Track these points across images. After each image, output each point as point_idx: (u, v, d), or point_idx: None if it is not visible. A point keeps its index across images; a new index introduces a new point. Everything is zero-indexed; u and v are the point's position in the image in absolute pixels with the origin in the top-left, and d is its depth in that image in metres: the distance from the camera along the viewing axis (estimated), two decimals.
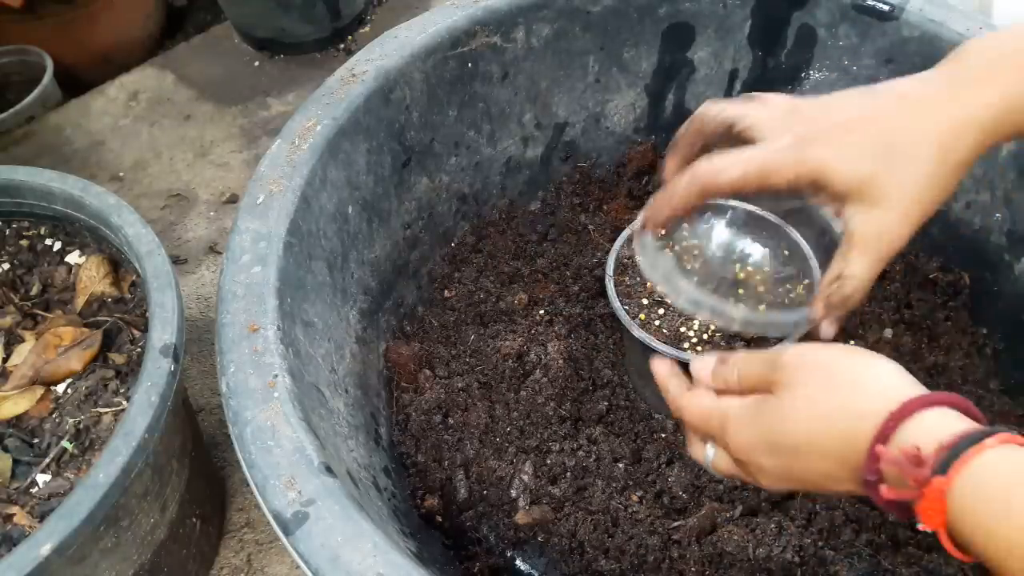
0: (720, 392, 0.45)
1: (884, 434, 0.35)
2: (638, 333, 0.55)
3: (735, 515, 0.59)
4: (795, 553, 0.57)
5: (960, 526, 0.32)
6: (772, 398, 0.41)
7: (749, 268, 0.53)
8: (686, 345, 0.56)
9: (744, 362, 0.43)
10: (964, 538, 0.33)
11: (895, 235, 0.43)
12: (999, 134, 0.42)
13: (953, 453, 0.32)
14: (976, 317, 0.70)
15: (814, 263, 0.55)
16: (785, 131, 0.45)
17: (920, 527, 0.34)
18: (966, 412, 0.35)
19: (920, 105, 0.43)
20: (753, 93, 0.49)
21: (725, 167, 0.45)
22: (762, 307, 0.54)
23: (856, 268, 0.44)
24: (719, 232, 0.57)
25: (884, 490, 0.35)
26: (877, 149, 0.42)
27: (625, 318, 0.56)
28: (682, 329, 0.54)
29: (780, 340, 0.52)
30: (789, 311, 0.52)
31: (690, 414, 0.46)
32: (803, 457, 0.39)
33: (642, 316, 0.58)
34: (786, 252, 0.57)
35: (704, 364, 0.46)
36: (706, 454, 0.46)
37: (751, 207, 0.58)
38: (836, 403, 0.38)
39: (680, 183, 0.47)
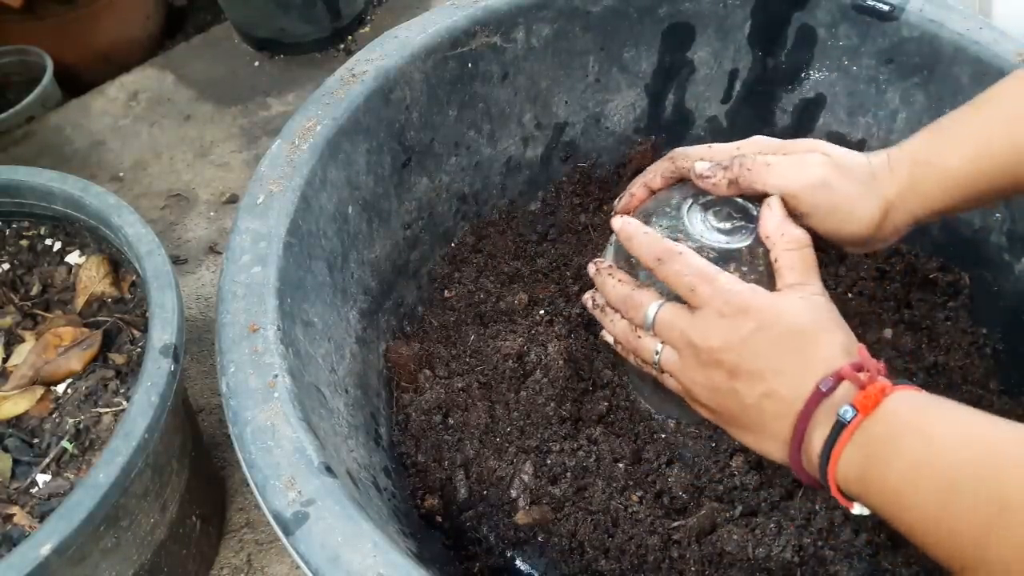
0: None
1: (858, 363, 0.43)
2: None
3: (735, 515, 0.59)
4: (795, 553, 0.57)
5: (878, 416, 0.40)
6: (767, 295, 0.47)
7: (743, 269, 0.52)
8: None
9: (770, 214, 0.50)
10: (871, 427, 0.40)
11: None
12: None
13: (901, 381, 0.42)
14: (976, 317, 0.70)
15: None
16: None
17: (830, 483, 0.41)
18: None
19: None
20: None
21: (697, 148, 0.55)
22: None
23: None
24: (696, 225, 0.54)
25: (845, 370, 0.42)
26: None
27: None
28: None
29: None
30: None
31: (683, 268, 0.49)
32: (757, 373, 0.45)
33: None
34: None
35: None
36: (646, 313, 0.50)
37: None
38: (808, 337, 0.45)
39: (653, 165, 0.56)
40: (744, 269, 0.51)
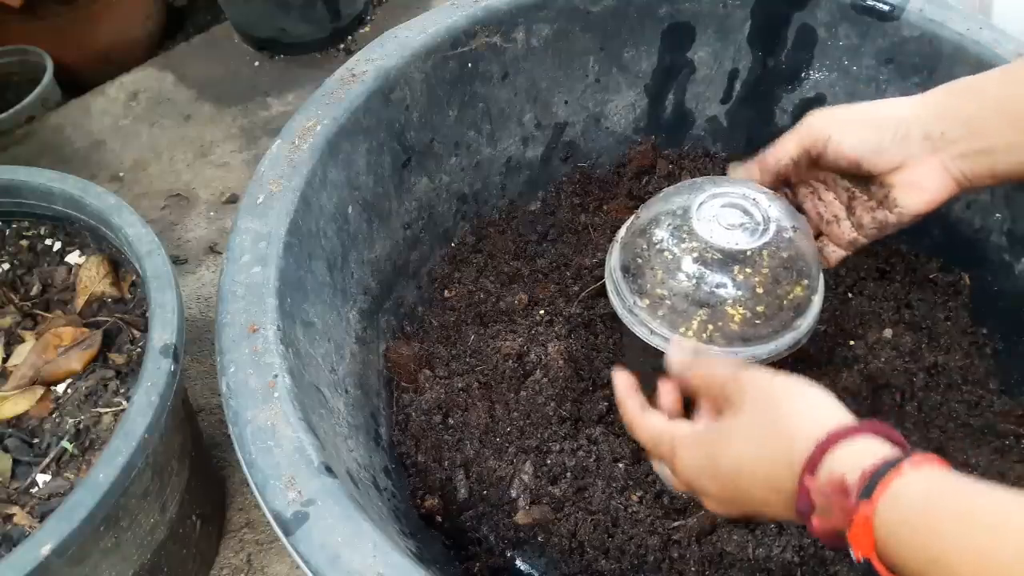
0: (684, 391, 0.48)
1: (812, 464, 0.36)
2: (640, 331, 0.54)
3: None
4: (795, 553, 0.57)
5: (887, 549, 0.33)
6: (715, 424, 0.43)
7: (747, 271, 0.52)
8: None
9: (707, 374, 0.45)
10: (893, 560, 0.33)
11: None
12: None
13: (875, 479, 0.33)
14: (976, 317, 0.70)
15: (811, 260, 0.54)
16: None
17: (854, 556, 0.35)
18: (888, 438, 0.37)
19: None
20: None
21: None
22: (760, 309, 0.52)
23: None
24: (704, 226, 0.53)
25: (815, 521, 0.36)
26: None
27: (626, 316, 0.56)
28: (680, 330, 0.54)
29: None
30: (750, 344, 0.51)
31: (642, 436, 0.48)
32: (743, 483, 0.40)
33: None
34: (783, 252, 0.53)
35: (680, 350, 0.48)
36: (661, 470, 0.49)
37: (743, 185, 0.55)
38: (770, 432, 0.39)
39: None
40: (748, 271, 0.51)
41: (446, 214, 0.77)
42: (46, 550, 0.49)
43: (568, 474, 0.62)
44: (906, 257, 0.74)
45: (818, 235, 0.59)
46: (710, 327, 0.51)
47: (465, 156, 0.77)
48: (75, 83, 1.34)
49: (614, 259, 0.57)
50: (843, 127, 0.51)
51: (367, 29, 1.42)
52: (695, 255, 0.52)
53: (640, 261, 0.54)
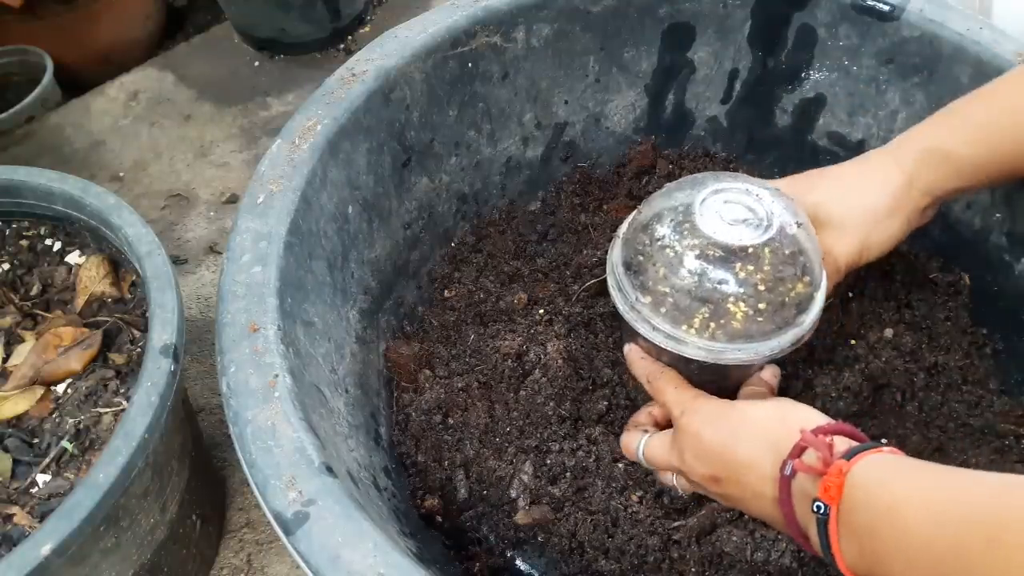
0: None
1: (803, 442, 0.44)
2: (643, 329, 0.54)
3: (735, 515, 0.59)
4: (793, 559, 0.57)
5: (850, 505, 0.40)
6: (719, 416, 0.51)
7: (749, 267, 0.52)
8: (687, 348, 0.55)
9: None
10: (851, 517, 0.40)
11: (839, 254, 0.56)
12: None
13: (856, 450, 0.42)
14: (976, 317, 0.70)
15: (814, 257, 0.53)
16: None
17: (815, 511, 0.41)
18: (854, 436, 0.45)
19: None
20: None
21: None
22: (763, 306, 0.51)
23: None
24: (708, 221, 0.52)
25: (797, 463, 0.43)
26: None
27: (628, 313, 0.55)
28: (683, 327, 0.53)
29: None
30: (752, 341, 0.51)
31: (660, 394, 0.55)
32: (740, 456, 0.47)
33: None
34: (786, 248, 0.52)
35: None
36: (640, 440, 0.56)
37: (746, 181, 0.55)
38: (771, 423, 0.48)
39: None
40: (750, 268, 0.50)
41: (446, 214, 0.77)
42: (46, 550, 0.49)
43: (568, 474, 0.62)
44: (906, 257, 0.74)
45: None
46: (712, 325, 0.51)
47: (465, 156, 0.77)
48: (75, 83, 1.34)
49: (615, 255, 0.57)
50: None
51: (367, 29, 1.42)
52: (698, 251, 0.51)
53: (642, 257, 0.54)
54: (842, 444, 0.43)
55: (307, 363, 0.54)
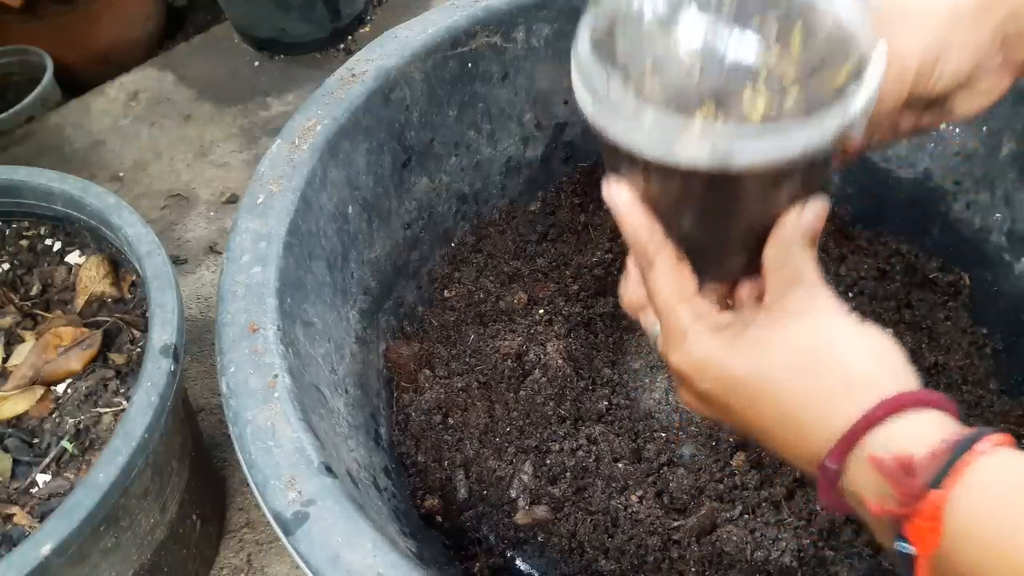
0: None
1: (869, 422, 0.31)
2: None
3: (735, 515, 0.59)
4: (793, 557, 0.57)
5: (953, 548, 0.28)
6: (753, 316, 0.36)
7: (774, 31, 0.33)
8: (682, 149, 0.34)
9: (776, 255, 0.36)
10: (955, 562, 0.28)
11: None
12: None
13: (949, 463, 0.28)
14: (976, 317, 0.70)
15: (861, 27, 0.35)
16: None
17: (900, 549, 0.30)
18: (946, 410, 0.31)
19: None
20: None
21: None
22: (792, 86, 0.33)
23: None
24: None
25: (872, 504, 0.31)
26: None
27: (599, 114, 0.38)
28: (681, 126, 0.33)
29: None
30: (777, 133, 0.33)
31: (653, 296, 0.39)
32: (764, 407, 0.35)
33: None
34: (819, 30, 0.34)
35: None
36: (653, 330, 0.41)
37: None
38: (824, 360, 0.34)
39: None
40: (775, 33, 0.33)
41: (446, 214, 0.77)
42: (46, 550, 0.49)
43: (568, 474, 0.62)
44: (906, 257, 0.74)
45: None
46: (720, 118, 0.34)
47: (465, 156, 0.77)
48: (75, 83, 1.34)
49: (582, 38, 0.38)
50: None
51: (367, 29, 1.42)
52: (700, 9, 0.34)
53: (620, 29, 0.36)
54: (923, 437, 0.30)
55: (307, 363, 0.54)
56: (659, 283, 0.38)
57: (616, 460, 0.63)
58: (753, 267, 0.39)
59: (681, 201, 0.38)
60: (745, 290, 0.41)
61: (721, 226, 0.38)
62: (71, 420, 0.62)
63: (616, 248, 0.75)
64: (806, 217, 0.36)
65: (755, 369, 0.35)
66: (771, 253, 0.37)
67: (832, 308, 0.35)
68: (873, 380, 0.32)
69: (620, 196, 0.40)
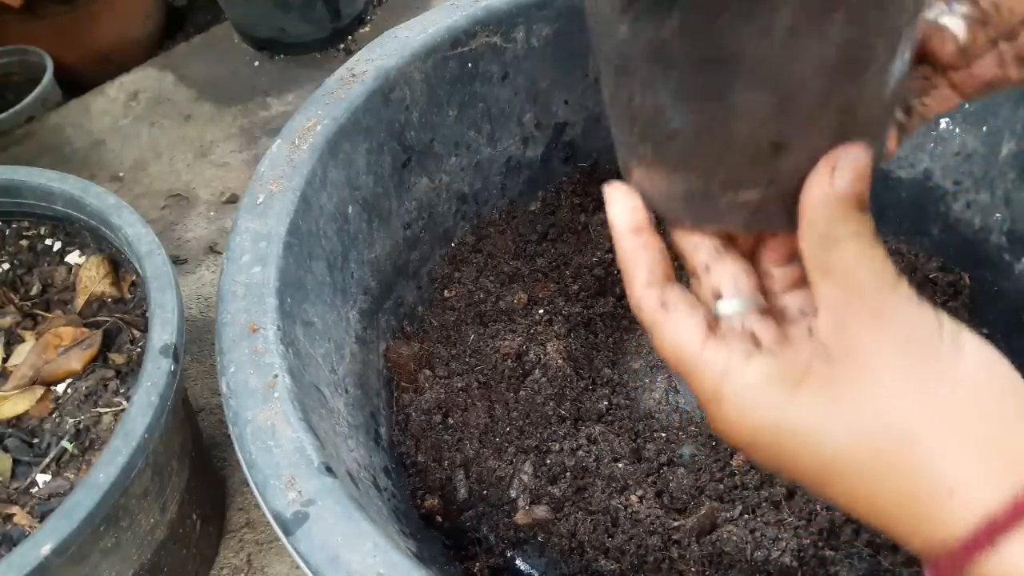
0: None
1: (960, 560, 0.24)
2: None
3: (735, 515, 0.59)
4: (794, 557, 0.57)
5: None
6: (800, 389, 0.27)
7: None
8: None
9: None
10: None
11: None
12: None
13: None
14: (976, 317, 0.70)
15: None
16: None
17: None
18: None
19: None
20: None
21: None
22: None
23: None
24: None
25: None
26: None
27: None
28: None
29: None
30: None
31: (664, 344, 0.29)
32: (844, 496, 0.27)
33: None
34: None
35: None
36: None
37: None
38: (900, 474, 0.26)
39: None
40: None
41: (446, 214, 0.77)
42: (46, 550, 0.49)
43: (568, 474, 0.62)
44: (906, 257, 0.74)
45: (920, 60, 0.33)
46: None
47: (465, 156, 0.77)
48: (75, 83, 1.34)
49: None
50: None
51: (367, 29, 1.42)
52: None
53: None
54: None
55: (307, 363, 0.54)
56: (666, 331, 0.29)
57: (616, 460, 0.63)
58: (784, 203, 0.26)
59: (675, 47, 0.24)
60: (771, 258, 0.29)
61: (732, 97, 0.24)
62: (71, 420, 0.62)
63: None
64: (841, 178, 0.25)
65: (817, 454, 0.27)
66: (806, 242, 0.26)
67: (917, 349, 0.26)
68: (975, 480, 0.25)
69: (620, 216, 0.31)
